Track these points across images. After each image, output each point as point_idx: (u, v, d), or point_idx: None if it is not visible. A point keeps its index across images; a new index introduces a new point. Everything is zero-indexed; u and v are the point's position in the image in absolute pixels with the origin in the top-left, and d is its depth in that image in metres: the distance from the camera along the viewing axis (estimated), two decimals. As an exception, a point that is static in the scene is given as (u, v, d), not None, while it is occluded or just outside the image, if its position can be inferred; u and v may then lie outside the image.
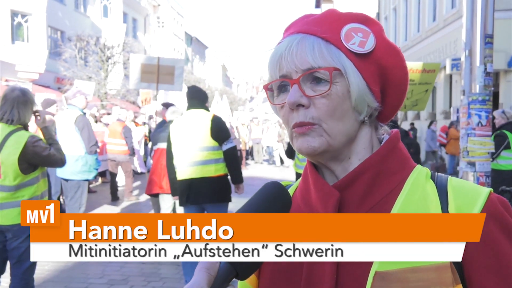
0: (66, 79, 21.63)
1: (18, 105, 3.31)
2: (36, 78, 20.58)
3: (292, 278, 0.85)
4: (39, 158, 3.33)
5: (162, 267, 5.37)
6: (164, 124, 6.77)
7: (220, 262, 0.69)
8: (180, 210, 5.75)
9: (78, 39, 22.33)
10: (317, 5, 34.29)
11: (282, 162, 18.43)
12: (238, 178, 4.54)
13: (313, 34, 0.84)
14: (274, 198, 0.74)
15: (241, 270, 0.69)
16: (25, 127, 3.40)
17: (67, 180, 5.92)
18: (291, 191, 0.97)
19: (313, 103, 0.83)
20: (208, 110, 4.66)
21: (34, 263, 3.49)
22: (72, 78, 20.58)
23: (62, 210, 5.89)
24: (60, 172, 5.93)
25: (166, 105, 7.43)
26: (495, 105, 12.25)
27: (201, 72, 54.44)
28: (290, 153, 6.22)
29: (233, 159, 4.49)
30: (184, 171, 4.46)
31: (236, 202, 3.65)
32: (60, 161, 3.50)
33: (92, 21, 26.83)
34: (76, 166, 5.82)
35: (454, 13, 16.43)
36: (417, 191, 0.82)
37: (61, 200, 7.23)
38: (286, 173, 15.56)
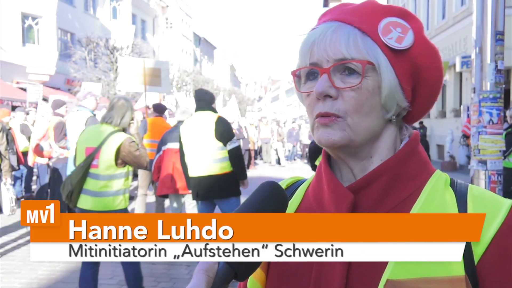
0: (76, 80, 21.81)
1: (122, 112, 3.97)
2: (47, 80, 20.80)
3: (300, 282, 0.82)
4: (131, 156, 3.89)
5: (172, 268, 5.38)
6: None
7: (219, 263, 0.68)
8: (187, 211, 5.77)
9: (88, 41, 22.51)
10: (325, 5, 34.17)
11: (279, 162, 18.37)
12: (242, 175, 4.88)
13: (349, 23, 0.81)
14: (270, 197, 0.73)
15: (240, 271, 0.68)
16: (125, 131, 4.03)
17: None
18: (303, 187, 0.93)
19: (341, 95, 0.79)
20: (215, 111, 4.90)
21: None
22: (82, 79, 20.74)
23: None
24: (71, 171, 5.96)
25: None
26: (507, 103, 12.11)
27: (209, 73, 54.58)
28: (313, 152, 5.66)
29: (237, 157, 4.79)
30: (194, 169, 4.79)
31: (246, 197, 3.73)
32: (146, 163, 4.05)
33: (101, 23, 27.04)
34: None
35: (463, 10, 16.28)
36: (435, 199, 0.78)
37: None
38: (295, 172, 15.54)
